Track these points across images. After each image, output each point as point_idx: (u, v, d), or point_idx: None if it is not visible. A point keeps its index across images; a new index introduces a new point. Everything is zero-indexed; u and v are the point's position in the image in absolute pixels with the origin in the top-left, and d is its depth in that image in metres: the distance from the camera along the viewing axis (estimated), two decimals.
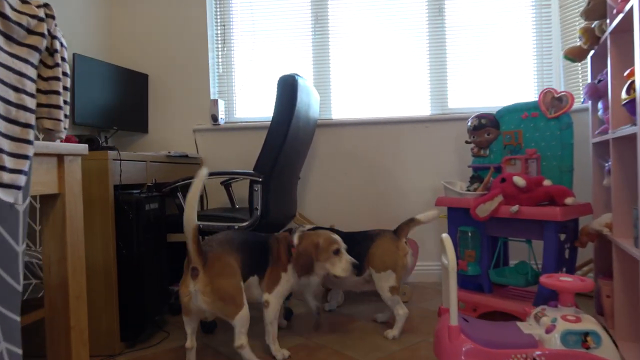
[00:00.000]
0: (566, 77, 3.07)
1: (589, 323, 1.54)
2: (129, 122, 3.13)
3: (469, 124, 2.59)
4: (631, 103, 1.64)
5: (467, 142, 2.65)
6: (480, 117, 2.56)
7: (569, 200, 2.12)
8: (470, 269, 2.39)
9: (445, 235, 1.65)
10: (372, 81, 3.35)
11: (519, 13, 3.19)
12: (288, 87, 2.33)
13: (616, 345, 1.56)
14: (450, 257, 1.59)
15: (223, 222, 2.39)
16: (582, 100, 2.79)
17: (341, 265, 1.99)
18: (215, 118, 3.25)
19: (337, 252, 2.00)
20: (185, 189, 2.13)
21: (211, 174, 2.17)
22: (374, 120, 3.24)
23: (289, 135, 2.34)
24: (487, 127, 2.54)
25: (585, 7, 2.11)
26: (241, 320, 1.78)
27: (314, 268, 2.02)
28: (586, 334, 1.51)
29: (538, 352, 1.53)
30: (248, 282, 1.92)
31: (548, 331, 1.57)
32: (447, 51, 3.27)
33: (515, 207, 2.16)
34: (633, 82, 1.63)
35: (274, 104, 2.33)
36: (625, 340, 1.86)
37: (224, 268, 1.77)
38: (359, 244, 2.26)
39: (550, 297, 2.09)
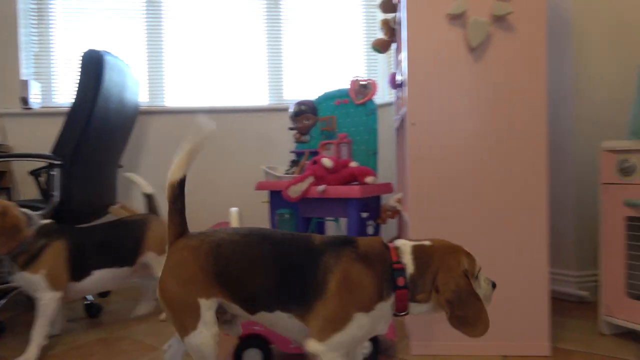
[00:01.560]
0: (390, 67, 3.32)
1: None
2: None
3: (291, 110, 2.66)
4: (401, 85, 1.79)
5: (290, 128, 2.71)
6: (300, 104, 2.63)
7: (369, 179, 2.26)
8: None
9: (233, 210, 1.65)
10: (209, 68, 3.29)
11: (349, 8, 3.36)
12: (92, 64, 2.17)
13: None
14: None
15: None
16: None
17: (482, 292, 1.18)
18: (25, 101, 2.92)
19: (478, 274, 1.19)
20: None
21: None
22: (211, 108, 3.18)
23: (93, 116, 2.18)
24: (306, 113, 2.62)
25: (381, 1, 2.29)
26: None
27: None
28: None
29: None
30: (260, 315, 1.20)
31: None
32: (283, 42, 3.33)
33: (322, 187, 2.25)
34: None
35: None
36: None
37: (178, 266, 1.18)
38: (130, 231, 2.13)
39: None
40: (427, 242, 1.18)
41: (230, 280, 1.17)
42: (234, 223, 1.60)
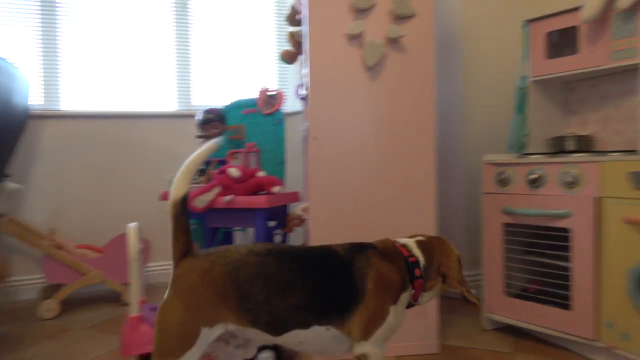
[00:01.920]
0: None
1: None
2: None
3: (198, 118, 2.62)
4: (305, 98, 1.85)
5: (197, 136, 2.67)
6: (207, 112, 2.60)
7: (276, 189, 2.30)
8: None
9: (131, 225, 1.60)
10: (112, 71, 3.13)
11: (260, 17, 3.38)
12: None
13: None
14: (130, 248, 1.54)
15: None
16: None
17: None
18: None
19: None
20: None
21: None
22: (114, 113, 3.03)
23: None
24: (213, 121, 2.60)
25: (288, 12, 2.33)
26: None
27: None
28: None
29: None
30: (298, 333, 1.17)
31: None
32: (192, 46, 3.27)
33: (229, 197, 2.25)
34: None
35: None
36: None
37: (184, 290, 1.11)
38: None
39: None
40: (421, 238, 1.32)
41: (255, 305, 1.11)
42: (132, 239, 1.55)
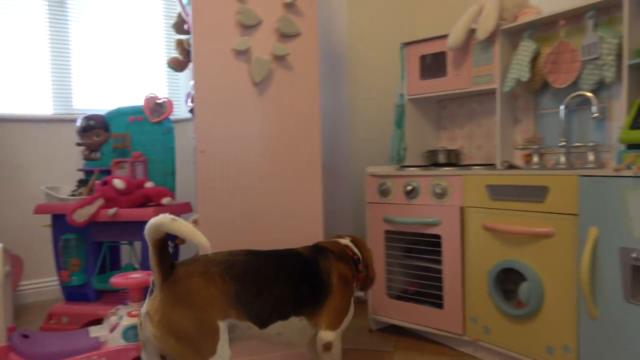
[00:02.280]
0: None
1: None
2: None
3: (78, 125, 2.46)
4: (192, 111, 1.83)
5: (77, 144, 2.50)
6: (88, 118, 2.45)
7: (165, 201, 2.24)
8: (74, 279, 2.25)
9: None
10: None
11: (148, 19, 3.24)
12: None
13: None
14: None
15: None
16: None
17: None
18: None
19: None
20: None
21: None
22: None
23: None
24: (95, 129, 2.45)
25: (175, 20, 2.28)
26: None
27: None
28: None
29: (96, 354, 1.52)
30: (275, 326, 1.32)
31: (112, 330, 1.59)
32: (71, 47, 3.03)
33: (112, 210, 2.14)
34: None
35: None
36: None
37: (191, 293, 1.15)
38: None
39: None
40: (350, 238, 1.63)
41: (249, 298, 1.23)
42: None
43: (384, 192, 2.04)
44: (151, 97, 2.42)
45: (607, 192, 1.35)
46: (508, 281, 1.71)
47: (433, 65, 2.13)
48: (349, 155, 2.60)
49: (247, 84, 1.72)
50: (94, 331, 1.62)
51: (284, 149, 1.77)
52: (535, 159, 1.84)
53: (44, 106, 2.98)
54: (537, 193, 1.55)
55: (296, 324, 1.35)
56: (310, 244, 1.76)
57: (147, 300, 1.17)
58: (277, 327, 1.31)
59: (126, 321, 1.58)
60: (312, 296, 1.37)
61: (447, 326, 1.87)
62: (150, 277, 1.17)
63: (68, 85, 3.04)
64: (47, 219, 2.34)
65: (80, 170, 2.49)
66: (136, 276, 1.68)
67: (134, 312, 1.61)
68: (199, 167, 1.69)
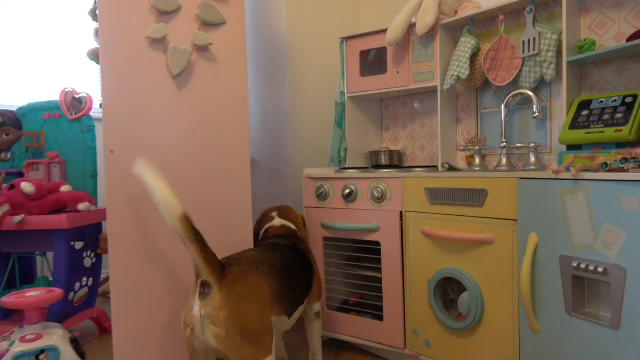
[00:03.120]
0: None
1: (49, 339, 1.42)
2: None
3: None
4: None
5: None
6: None
7: (82, 206, 2.01)
8: None
9: None
10: None
11: (65, 6, 2.97)
12: None
13: (83, 355, 1.50)
14: None
15: None
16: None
17: None
18: None
19: None
20: None
21: None
22: None
23: None
24: (5, 126, 2.20)
25: (91, 6, 2.06)
26: None
27: None
28: (41, 351, 1.38)
29: None
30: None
31: (1, 357, 1.37)
32: None
33: (19, 218, 1.90)
34: None
35: None
36: None
37: (253, 290, 1.19)
38: None
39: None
40: (276, 212, 1.78)
41: (287, 293, 1.33)
42: None
43: (321, 196, 1.90)
44: (68, 92, 2.19)
45: (547, 195, 1.26)
46: (450, 291, 1.61)
47: (374, 62, 2.01)
48: (292, 156, 2.45)
49: (164, 76, 1.54)
50: None
51: (208, 149, 1.60)
52: (477, 160, 1.75)
53: None
54: (476, 197, 1.45)
55: (302, 306, 1.50)
56: (241, 250, 1.63)
57: (197, 302, 1.13)
58: (296, 314, 1.43)
59: (18, 347, 1.37)
60: (310, 279, 1.55)
61: (388, 339, 1.75)
62: (201, 278, 1.14)
63: None
64: None
65: None
66: (32, 294, 1.47)
67: (28, 337, 1.40)
68: (107, 169, 1.50)
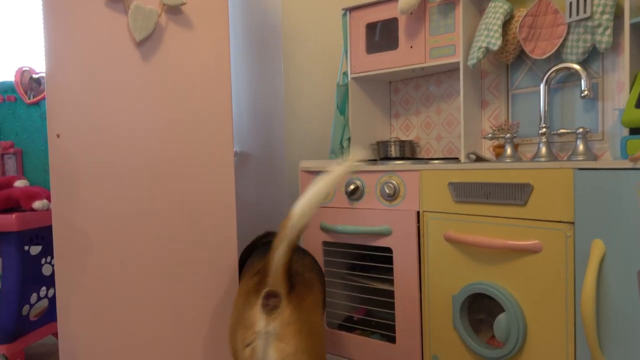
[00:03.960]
0: None
1: None
2: None
3: None
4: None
5: None
6: None
7: (37, 205, 1.71)
8: None
9: None
10: None
11: None
12: None
13: None
14: None
15: None
16: None
17: None
18: None
19: None
20: None
21: None
22: None
23: None
24: None
25: None
26: None
27: None
28: None
29: None
30: None
31: None
32: None
33: None
34: None
35: None
36: None
37: (317, 305, 1.06)
38: None
39: None
40: None
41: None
42: None
43: None
44: (25, 71, 1.88)
45: (617, 191, 0.96)
46: (481, 309, 1.31)
47: (382, 36, 1.71)
48: (286, 147, 2.15)
49: (125, 43, 1.24)
50: None
51: (180, 132, 1.30)
52: (508, 150, 1.45)
53: None
54: (517, 193, 1.15)
55: None
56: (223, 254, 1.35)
57: (260, 316, 0.98)
58: None
59: None
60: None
61: None
62: (268, 288, 0.99)
63: None
64: None
65: None
66: None
67: None
68: (52, 156, 1.19)
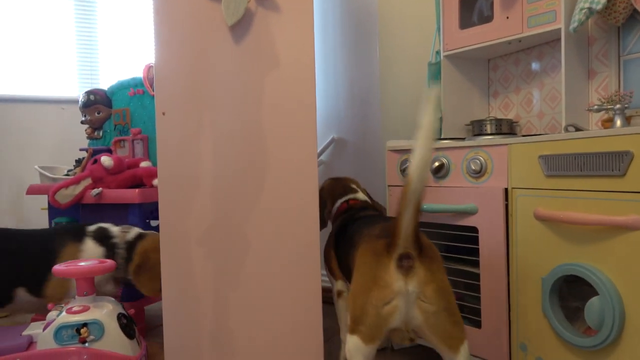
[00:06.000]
0: None
1: (94, 312, 1.32)
2: None
3: (79, 100, 2.26)
4: None
5: (82, 122, 2.31)
6: (89, 92, 2.25)
7: (156, 182, 1.95)
8: None
9: None
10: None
11: None
12: None
13: (131, 335, 1.37)
14: None
15: None
16: None
17: None
18: None
19: None
20: None
21: None
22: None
23: None
24: (97, 104, 2.24)
25: None
26: (466, 353, 1.06)
27: None
28: (83, 325, 1.28)
29: (18, 356, 1.24)
30: None
31: (45, 327, 1.30)
32: (98, 27, 2.89)
33: (96, 191, 1.89)
34: None
35: None
36: None
37: (443, 267, 1.07)
38: None
39: None
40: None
41: None
42: None
43: (406, 172, 1.58)
44: (151, 67, 2.15)
45: None
46: (573, 294, 1.19)
47: (477, 9, 1.64)
48: (382, 130, 2.14)
49: (220, 28, 1.36)
50: (30, 328, 1.35)
51: (268, 112, 1.38)
52: (618, 122, 1.29)
53: (69, 88, 2.87)
54: (614, 163, 1.02)
55: None
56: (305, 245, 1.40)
57: (398, 277, 0.99)
58: None
59: (62, 318, 1.28)
60: None
61: (487, 353, 1.37)
62: (402, 250, 0.99)
63: (95, 66, 2.90)
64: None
65: (82, 149, 2.29)
66: (84, 264, 1.38)
67: (75, 309, 1.31)
68: (159, 133, 1.36)
